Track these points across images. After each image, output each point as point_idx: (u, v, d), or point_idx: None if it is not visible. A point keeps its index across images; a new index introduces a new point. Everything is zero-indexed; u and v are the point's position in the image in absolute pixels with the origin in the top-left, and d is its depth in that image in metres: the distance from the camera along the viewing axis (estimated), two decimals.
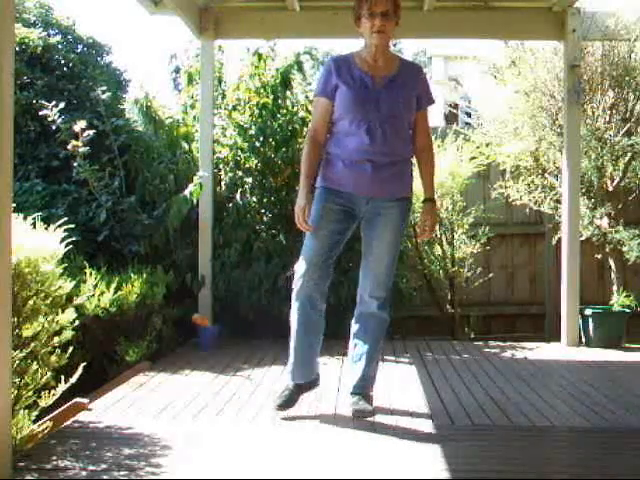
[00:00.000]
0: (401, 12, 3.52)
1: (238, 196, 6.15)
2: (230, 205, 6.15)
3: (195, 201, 5.77)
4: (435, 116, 12.87)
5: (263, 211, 6.22)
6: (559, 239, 6.21)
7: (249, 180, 6.22)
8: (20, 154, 5.82)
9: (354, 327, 3.65)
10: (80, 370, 3.18)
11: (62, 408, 3.41)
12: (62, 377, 3.09)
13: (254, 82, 6.36)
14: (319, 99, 3.53)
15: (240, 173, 6.29)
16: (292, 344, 3.58)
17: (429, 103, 3.61)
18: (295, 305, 3.55)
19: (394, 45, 30.09)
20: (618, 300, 6.02)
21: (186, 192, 5.70)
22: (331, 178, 3.50)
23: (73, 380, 3.12)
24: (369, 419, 3.47)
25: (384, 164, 3.43)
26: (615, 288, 6.29)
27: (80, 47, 6.86)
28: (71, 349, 3.18)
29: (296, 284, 3.55)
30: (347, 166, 3.45)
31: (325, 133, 3.53)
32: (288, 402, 3.53)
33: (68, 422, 3.34)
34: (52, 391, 3.03)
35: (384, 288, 3.56)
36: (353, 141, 3.42)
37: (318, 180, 3.56)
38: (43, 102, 5.71)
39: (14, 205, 2.91)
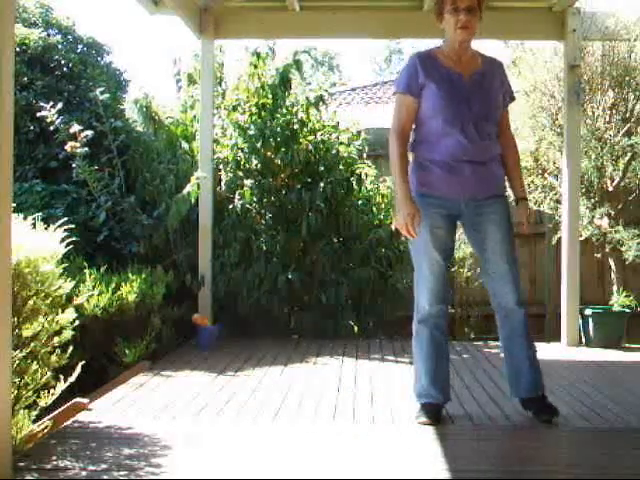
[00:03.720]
0: (484, 6, 3.39)
1: (238, 196, 6.15)
2: (230, 205, 6.15)
3: (194, 201, 5.77)
4: None
5: (263, 211, 6.23)
6: (559, 239, 6.21)
7: (249, 180, 6.22)
8: (18, 154, 5.82)
9: (502, 333, 3.48)
10: (79, 369, 3.18)
11: (62, 408, 3.41)
12: (62, 377, 3.09)
13: (253, 82, 6.37)
14: (404, 97, 3.36)
15: (240, 173, 6.30)
16: (421, 367, 3.46)
17: (512, 99, 3.53)
18: (423, 333, 3.45)
19: (396, 44, 30.14)
20: (618, 300, 6.02)
21: (184, 192, 5.70)
22: (427, 183, 3.36)
23: (72, 379, 3.12)
24: (369, 419, 3.48)
25: (480, 163, 3.33)
26: (615, 288, 6.29)
27: (80, 47, 6.85)
28: (71, 349, 3.18)
29: (420, 311, 3.45)
30: (443, 169, 3.32)
31: (410, 131, 3.40)
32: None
33: (68, 422, 3.33)
34: (52, 391, 3.03)
35: (515, 283, 3.39)
36: (448, 142, 3.31)
37: (411, 187, 3.40)
38: (42, 103, 5.71)
39: (14, 205, 2.91)
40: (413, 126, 3.43)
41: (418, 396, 3.48)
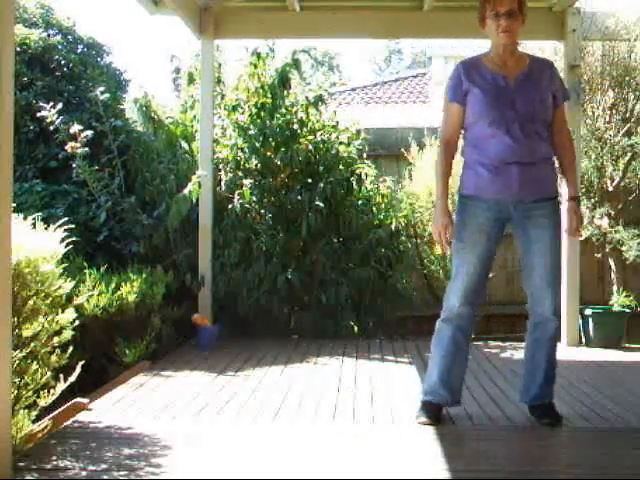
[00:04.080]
0: (527, 9, 3.38)
1: (238, 196, 6.15)
2: (230, 205, 6.15)
3: (194, 200, 5.77)
4: (435, 116, 12.86)
5: (263, 211, 6.23)
6: None
7: (249, 180, 6.22)
8: (18, 154, 5.82)
9: (529, 338, 3.48)
10: (78, 369, 3.17)
11: (62, 408, 3.41)
12: (62, 377, 3.09)
13: (253, 82, 6.37)
14: (451, 105, 3.40)
15: (240, 173, 6.30)
16: (435, 365, 3.45)
17: (565, 99, 3.50)
18: (445, 332, 3.43)
19: (396, 43, 30.14)
20: (618, 300, 6.02)
21: (185, 191, 5.70)
22: (474, 185, 3.36)
23: (72, 379, 3.11)
24: (369, 419, 3.48)
25: (528, 164, 3.30)
26: (615, 288, 6.29)
27: (80, 47, 6.85)
28: (71, 349, 3.17)
29: (448, 309, 3.43)
30: (490, 171, 3.31)
31: (458, 139, 3.43)
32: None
33: (68, 422, 3.33)
34: (52, 391, 3.03)
35: (555, 296, 3.39)
36: (494, 144, 3.30)
37: (458, 189, 3.44)
38: (42, 104, 5.72)
39: (14, 205, 2.91)
40: (462, 132, 3.45)
41: (424, 393, 3.48)
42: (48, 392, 3.01)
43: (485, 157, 3.34)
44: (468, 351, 3.52)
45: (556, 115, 3.43)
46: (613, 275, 6.48)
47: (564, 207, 3.48)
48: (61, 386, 3.06)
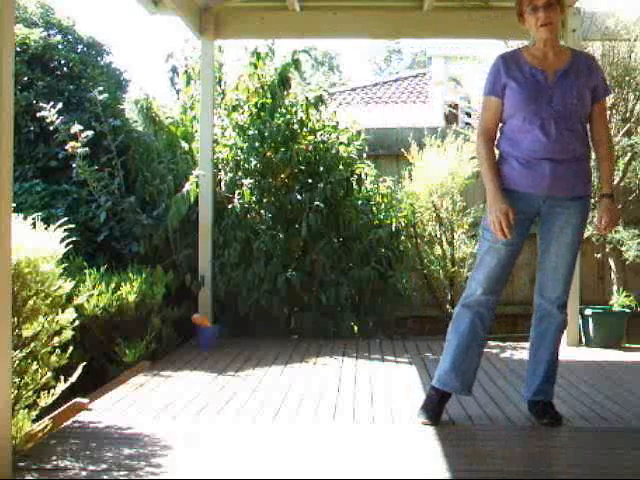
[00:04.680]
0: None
1: (237, 196, 6.15)
2: (230, 205, 6.15)
3: (193, 200, 5.77)
4: (435, 116, 12.87)
5: (263, 211, 6.23)
6: None
7: (249, 180, 6.22)
8: (18, 154, 5.82)
9: (533, 333, 3.49)
10: (80, 370, 3.18)
11: (62, 408, 3.41)
12: (62, 377, 3.09)
13: (253, 82, 6.37)
14: (489, 98, 3.39)
15: (240, 173, 6.30)
16: (450, 352, 3.42)
17: (606, 94, 3.47)
18: (464, 318, 3.40)
19: (396, 43, 30.12)
20: (618, 300, 6.02)
21: (183, 190, 5.71)
22: (507, 177, 3.35)
23: (73, 379, 3.12)
24: (369, 419, 3.48)
25: (561, 161, 3.28)
26: (615, 288, 6.29)
27: (80, 47, 6.85)
28: (71, 349, 3.18)
29: (468, 295, 3.41)
30: (523, 165, 3.31)
31: (496, 131, 3.42)
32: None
33: (68, 422, 3.34)
34: (52, 391, 3.03)
35: (565, 289, 3.40)
36: (527, 138, 3.29)
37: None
38: (42, 103, 5.71)
39: (14, 205, 2.91)
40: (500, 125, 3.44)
41: (436, 379, 3.45)
42: (48, 392, 3.01)
43: (518, 151, 3.33)
44: (485, 341, 3.50)
45: (595, 110, 3.40)
46: (613, 275, 6.48)
47: (599, 204, 3.45)
48: (61, 386, 3.06)
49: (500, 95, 3.37)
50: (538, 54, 3.38)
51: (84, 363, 3.26)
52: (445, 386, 3.42)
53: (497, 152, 3.45)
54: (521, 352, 5.47)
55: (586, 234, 6.28)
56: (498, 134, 3.45)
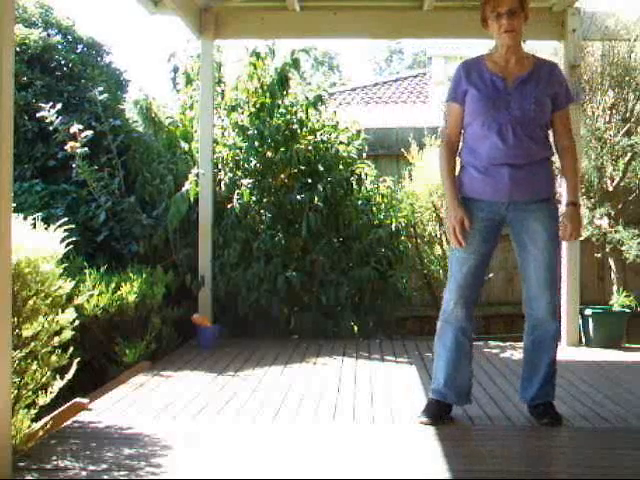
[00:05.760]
0: (529, 6, 3.37)
1: (237, 196, 6.15)
2: (229, 205, 6.15)
3: (192, 199, 5.77)
4: (435, 116, 12.86)
5: (263, 211, 6.22)
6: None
7: (248, 180, 6.22)
8: (17, 153, 5.82)
9: (527, 341, 3.48)
10: (74, 367, 3.17)
11: (62, 408, 3.41)
12: (62, 377, 3.09)
13: (253, 82, 6.37)
14: (451, 105, 3.43)
15: (239, 173, 6.30)
16: (441, 367, 3.45)
17: (568, 102, 3.46)
18: (447, 333, 3.42)
19: (397, 43, 30.12)
20: (618, 300, 6.02)
21: (183, 190, 5.70)
22: (468, 186, 3.39)
23: (69, 377, 3.11)
24: (369, 419, 3.48)
25: (519, 166, 3.30)
26: (615, 288, 6.29)
27: (80, 47, 6.86)
28: (71, 349, 3.17)
29: (446, 310, 3.44)
30: (482, 172, 3.34)
31: (459, 139, 3.45)
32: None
33: (68, 422, 3.33)
34: (49, 389, 3.03)
35: (552, 294, 3.37)
36: (486, 145, 3.32)
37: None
38: (41, 104, 5.71)
39: (14, 205, 2.91)
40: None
41: (433, 392, 3.48)
42: (45, 392, 3.01)
43: (478, 159, 3.36)
44: (471, 351, 3.50)
45: (557, 118, 3.42)
46: (613, 275, 6.48)
47: (563, 211, 3.46)
48: (58, 384, 3.05)
49: (461, 101, 3.40)
50: (500, 61, 3.40)
51: (77, 359, 3.24)
52: (444, 398, 3.44)
53: (459, 161, 3.47)
54: (521, 352, 5.44)
55: (586, 234, 6.29)
56: (461, 143, 3.47)
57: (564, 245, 5.86)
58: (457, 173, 3.46)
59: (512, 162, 3.30)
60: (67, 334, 3.16)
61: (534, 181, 3.36)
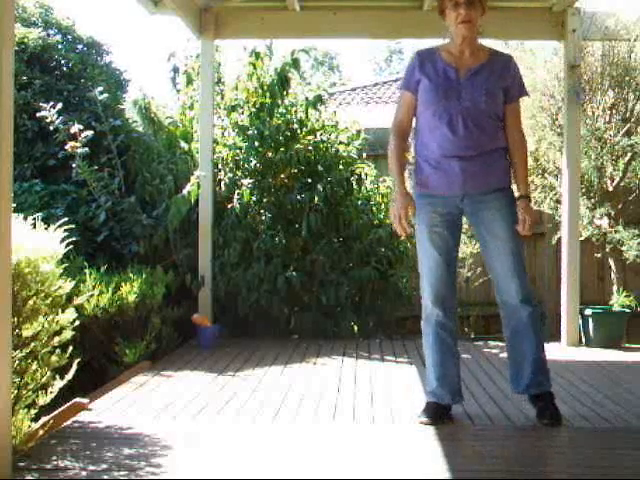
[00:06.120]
0: (486, 1, 3.38)
1: (237, 196, 6.15)
2: (230, 205, 6.15)
3: (193, 201, 5.77)
4: None
5: (263, 211, 6.22)
6: (559, 239, 6.21)
7: (249, 180, 6.22)
8: (16, 153, 5.81)
9: (506, 331, 3.45)
10: (75, 367, 3.16)
11: (62, 408, 3.41)
12: (62, 377, 3.09)
13: (252, 82, 6.36)
14: (404, 93, 3.45)
15: (239, 173, 6.30)
16: (431, 368, 3.45)
17: (520, 95, 3.47)
18: (428, 333, 3.43)
19: (397, 43, 30.08)
20: (618, 300, 6.02)
21: (184, 191, 5.70)
22: (422, 182, 3.41)
23: (69, 377, 3.11)
24: (369, 419, 3.48)
25: (470, 157, 3.31)
26: (615, 288, 6.29)
27: (80, 47, 6.86)
28: (71, 349, 3.17)
29: (425, 310, 3.43)
30: (434, 167, 3.36)
31: (410, 126, 3.45)
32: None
33: (68, 422, 3.33)
34: (49, 389, 3.03)
35: (520, 283, 3.34)
36: (437, 136, 3.33)
37: (410, 187, 3.47)
38: (41, 104, 5.71)
39: (14, 205, 2.91)
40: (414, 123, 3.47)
41: (427, 393, 3.50)
42: (45, 392, 3.01)
43: (429, 152, 3.38)
44: (457, 349, 3.49)
45: (508, 111, 3.42)
46: (613, 275, 6.48)
47: (517, 206, 3.42)
48: (58, 384, 3.05)
49: (414, 90, 3.41)
50: (454, 51, 3.41)
51: (78, 360, 3.24)
52: (440, 400, 3.44)
53: (412, 157, 3.48)
54: None
55: (586, 234, 6.29)
56: (414, 137, 3.48)
57: (564, 245, 5.86)
58: (412, 169, 3.48)
59: (462, 154, 3.31)
60: (67, 334, 3.16)
61: (487, 172, 3.36)
